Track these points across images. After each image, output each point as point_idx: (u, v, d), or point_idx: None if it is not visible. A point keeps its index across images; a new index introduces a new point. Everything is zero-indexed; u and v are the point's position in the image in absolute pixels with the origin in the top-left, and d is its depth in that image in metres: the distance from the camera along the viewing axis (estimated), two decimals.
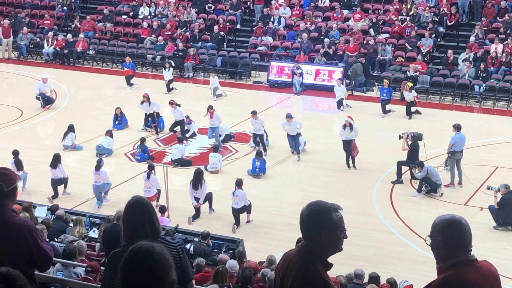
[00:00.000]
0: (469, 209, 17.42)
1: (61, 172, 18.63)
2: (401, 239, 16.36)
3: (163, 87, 28.05)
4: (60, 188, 18.71)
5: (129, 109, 24.29)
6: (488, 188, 17.30)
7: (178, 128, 22.72)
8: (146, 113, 23.40)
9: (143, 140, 21.37)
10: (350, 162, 20.33)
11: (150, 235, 4.71)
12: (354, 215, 17.10)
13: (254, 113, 21.56)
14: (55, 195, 18.52)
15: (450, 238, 4.13)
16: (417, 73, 27.61)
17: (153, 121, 23.25)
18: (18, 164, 18.50)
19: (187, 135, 22.66)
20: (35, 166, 19.75)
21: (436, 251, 4.21)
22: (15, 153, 18.78)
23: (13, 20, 34.71)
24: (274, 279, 4.51)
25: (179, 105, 22.83)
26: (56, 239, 13.03)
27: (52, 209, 15.36)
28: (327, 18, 32.31)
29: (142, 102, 23.39)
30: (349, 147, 20.13)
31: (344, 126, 20.22)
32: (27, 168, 18.89)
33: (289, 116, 21.04)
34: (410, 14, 30.92)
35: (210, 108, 22.14)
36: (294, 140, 21.16)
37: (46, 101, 25.83)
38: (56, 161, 18.58)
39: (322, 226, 4.11)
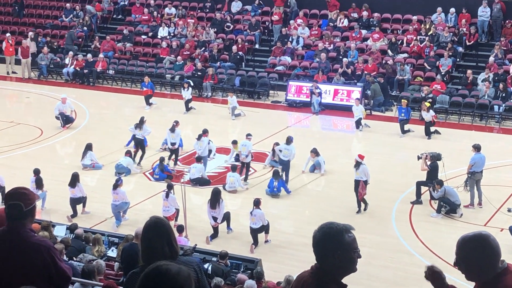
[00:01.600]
0: (489, 230, 16.98)
1: (80, 191, 18.70)
2: (421, 259, 16.22)
3: (182, 107, 28.15)
4: (79, 207, 18.78)
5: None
6: (509, 210, 17.15)
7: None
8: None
9: (162, 159, 21.41)
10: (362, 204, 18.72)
11: (168, 255, 4.70)
12: (373, 236, 16.98)
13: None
14: (74, 214, 18.59)
15: (489, 253, 4.14)
16: (430, 95, 27.52)
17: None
18: (39, 183, 18.65)
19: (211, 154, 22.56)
20: (54, 185, 19.83)
21: (470, 269, 4.18)
22: (36, 172, 18.91)
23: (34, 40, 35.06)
24: None
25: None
26: (75, 258, 13.07)
27: (71, 228, 15.43)
28: (345, 38, 32.35)
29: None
30: (357, 187, 18.58)
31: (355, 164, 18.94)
32: (46, 187, 18.99)
33: (291, 140, 21.06)
34: (429, 34, 30.87)
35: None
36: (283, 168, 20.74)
37: (66, 120, 25.99)
38: (74, 180, 18.66)
39: (335, 248, 4.06)
